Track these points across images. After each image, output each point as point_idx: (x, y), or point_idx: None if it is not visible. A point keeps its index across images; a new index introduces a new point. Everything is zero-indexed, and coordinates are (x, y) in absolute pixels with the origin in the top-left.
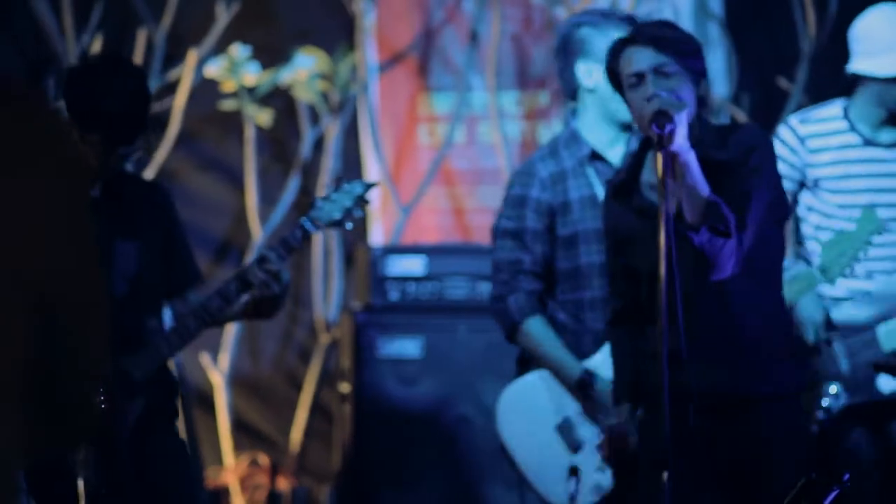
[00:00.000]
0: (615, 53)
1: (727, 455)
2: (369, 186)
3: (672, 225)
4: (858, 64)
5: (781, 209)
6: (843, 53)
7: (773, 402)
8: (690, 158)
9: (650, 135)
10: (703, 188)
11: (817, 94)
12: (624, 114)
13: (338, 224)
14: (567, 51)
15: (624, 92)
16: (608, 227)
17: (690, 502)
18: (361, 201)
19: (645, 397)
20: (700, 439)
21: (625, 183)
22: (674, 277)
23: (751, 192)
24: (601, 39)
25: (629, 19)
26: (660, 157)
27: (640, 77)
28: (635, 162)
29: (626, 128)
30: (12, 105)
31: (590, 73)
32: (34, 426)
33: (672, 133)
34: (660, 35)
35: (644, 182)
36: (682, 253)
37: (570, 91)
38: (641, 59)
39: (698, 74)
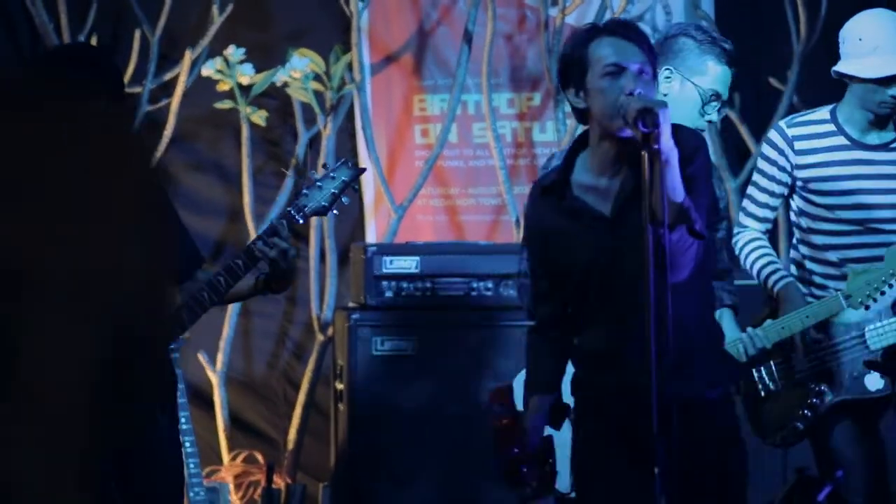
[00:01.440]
0: (588, 39)
1: (670, 454)
2: (358, 171)
3: (652, 226)
4: (844, 65)
5: (715, 214)
6: (834, 54)
7: (710, 402)
8: (673, 158)
9: (633, 131)
10: (682, 189)
11: (808, 94)
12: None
13: (325, 211)
14: (657, 50)
15: (579, 78)
16: (536, 229)
17: (634, 500)
18: (349, 187)
19: (583, 399)
20: (645, 438)
21: (556, 184)
22: (658, 278)
23: (696, 197)
24: (696, 58)
25: (729, 53)
26: (644, 155)
27: (619, 68)
28: (566, 163)
29: None
30: (102, 117)
31: (669, 80)
32: (107, 420)
33: (660, 132)
34: (646, 39)
35: (575, 183)
36: (623, 254)
37: None
38: (627, 53)
39: (657, 81)
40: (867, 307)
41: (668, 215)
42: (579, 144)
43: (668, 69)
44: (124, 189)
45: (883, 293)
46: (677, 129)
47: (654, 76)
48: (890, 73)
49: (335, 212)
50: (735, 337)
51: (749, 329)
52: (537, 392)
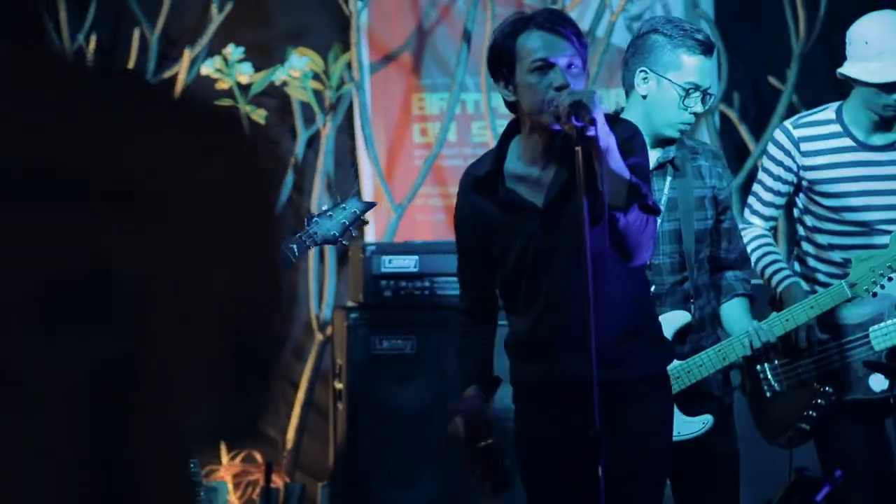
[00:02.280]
0: (516, 32)
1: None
2: (368, 206)
3: (589, 217)
4: (849, 68)
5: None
6: (834, 53)
7: (643, 386)
8: (611, 143)
9: (565, 126)
10: (626, 169)
11: (807, 93)
12: (665, 130)
13: (334, 241)
14: (632, 50)
15: (508, 71)
16: (467, 218)
17: (567, 486)
18: (359, 220)
19: (518, 387)
20: (578, 426)
21: (489, 174)
22: (591, 266)
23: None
24: (668, 53)
25: (704, 42)
26: (579, 150)
27: (548, 63)
28: (498, 153)
29: (660, 143)
30: (245, 142)
31: (646, 80)
32: (224, 416)
33: (595, 125)
34: (575, 30)
35: (507, 172)
36: (555, 245)
37: (626, 89)
38: (556, 47)
39: (587, 72)
40: (874, 294)
41: (618, 197)
42: (511, 130)
43: (643, 70)
44: (244, 201)
45: (890, 279)
46: (611, 121)
47: (585, 67)
48: (893, 79)
49: (345, 242)
50: (744, 329)
51: (754, 322)
52: (472, 381)
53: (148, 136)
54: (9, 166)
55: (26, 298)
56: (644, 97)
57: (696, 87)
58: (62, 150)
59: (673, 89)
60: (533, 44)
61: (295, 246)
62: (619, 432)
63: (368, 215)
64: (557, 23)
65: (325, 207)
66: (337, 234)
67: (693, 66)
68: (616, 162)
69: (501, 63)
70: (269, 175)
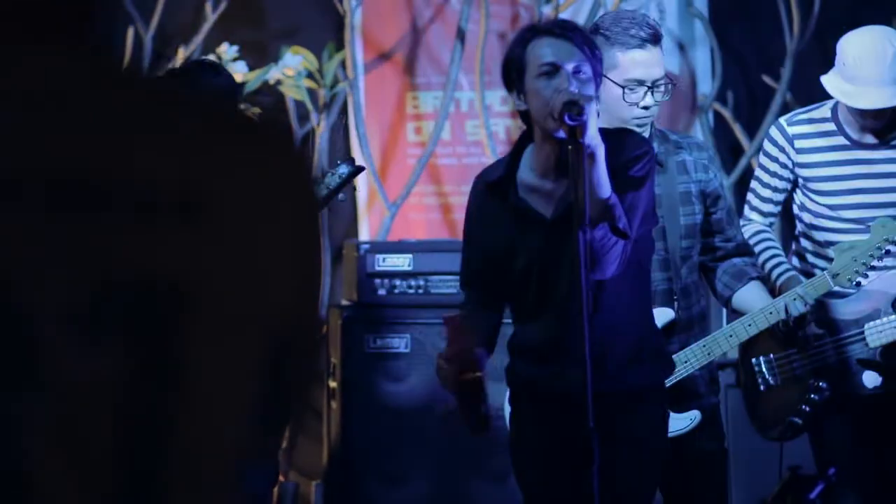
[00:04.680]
0: (526, 40)
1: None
2: (357, 169)
3: (581, 220)
4: (829, 79)
5: (654, 219)
6: (828, 52)
7: (638, 400)
8: (600, 153)
9: (560, 126)
10: (608, 185)
11: (801, 92)
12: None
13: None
14: None
15: (518, 79)
16: (476, 223)
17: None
18: (347, 183)
19: (516, 389)
20: (575, 434)
21: (501, 180)
22: (583, 276)
23: (633, 202)
24: (605, 53)
25: (642, 36)
26: (571, 149)
27: (555, 67)
28: (512, 160)
29: None
30: (296, 156)
31: None
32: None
33: (584, 125)
34: (585, 38)
35: (520, 181)
36: (561, 256)
37: None
38: (563, 52)
39: (599, 80)
40: (858, 284)
41: (590, 210)
42: (526, 138)
43: None
44: (288, 209)
45: (873, 267)
46: (624, 135)
47: (596, 76)
48: (861, 108)
49: (327, 209)
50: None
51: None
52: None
53: (196, 145)
54: (52, 176)
55: (69, 307)
56: (598, 99)
57: (640, 82)
58: (107, 158)
59: (613, 88)
60: (541, 50)
61: None
62: (615, 441)
63: (362, 212)
64: (567, 30)
65: (317, 174)
66: (321, 199)
67: (629, 62)
68: (599, 172)
69: (512, 72)
70: (314, 189)
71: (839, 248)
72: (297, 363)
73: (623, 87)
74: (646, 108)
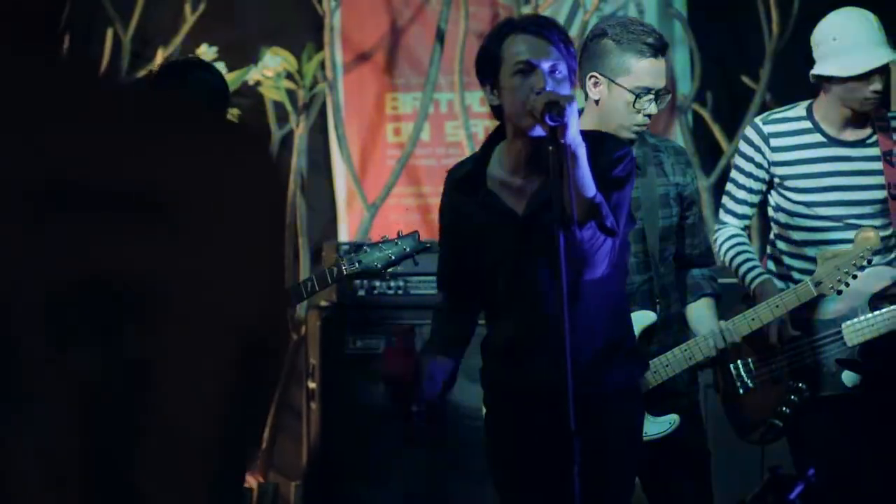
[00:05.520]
0: (502, 36)
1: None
2: (420, 245)
3: (560, 221)
4: (822, 67)
5: (633, 220)
6: (807, 52)
7: (617, 397)
8: (581, 153)
9: (540, 125)
10: (592, 184)
11: (781, 92)
12: (620, 133)
13: (376, 273)
14: (585, 54)
15: (493, 74)
16: (448, 220)
17: (541, 496)
18: (409, 257)
19: (489, 392)
20: (550, 435)
21: (470, 174)
22: (561, 272)
23: (619, 201)
24: (617, 58)
25: (654, 44)
26: (552, 150)
27: (530, 66)
28: (483, 155)
29: None
30: (268, 156)
31: (597, 84)
32: (238, 441)
33: (566, 125)
34: (561, 36)
35: (490, 176)
36: (532, 254)
37: (583, 90)
38: (539, 51)
39: (573, 77)
40: (839, 292)
41: (576, 210)
42: (497, 135)
43: (592, 75)
44: (260, 210)
45: (855, 276)
46: (604, 138)
47: (570, 74)
48: (870, 68)
49: (386, 278)
50: (709, 330)
51: (721, 322)
52: (440, 353)
53: (169, 146)
54: (33, 177)
55: (41, 303)
56: (597, 102)
57: (648, 90)
58: (76, 160)
59: (624, 94)
60: (517, 47)
61: (335, 268)
62: (590, 441)
63: (341, 213)
64: (543, 27)
65: (379, 240)
66: (379, 266)
67: (643, 70)
68: (582, 172)
69: (487, 66)
70: (285, 191)
71: (822, 255)
72: (265, 363)
73: (636, 95)
74: (648, 115)
